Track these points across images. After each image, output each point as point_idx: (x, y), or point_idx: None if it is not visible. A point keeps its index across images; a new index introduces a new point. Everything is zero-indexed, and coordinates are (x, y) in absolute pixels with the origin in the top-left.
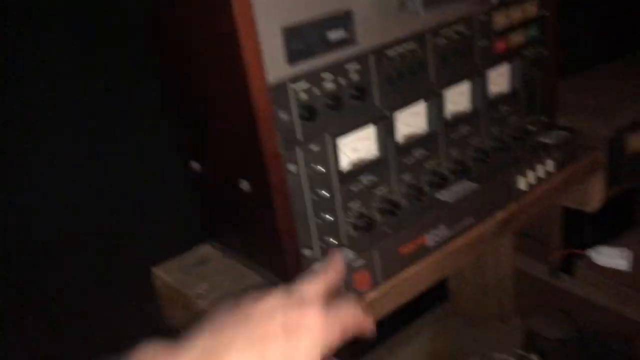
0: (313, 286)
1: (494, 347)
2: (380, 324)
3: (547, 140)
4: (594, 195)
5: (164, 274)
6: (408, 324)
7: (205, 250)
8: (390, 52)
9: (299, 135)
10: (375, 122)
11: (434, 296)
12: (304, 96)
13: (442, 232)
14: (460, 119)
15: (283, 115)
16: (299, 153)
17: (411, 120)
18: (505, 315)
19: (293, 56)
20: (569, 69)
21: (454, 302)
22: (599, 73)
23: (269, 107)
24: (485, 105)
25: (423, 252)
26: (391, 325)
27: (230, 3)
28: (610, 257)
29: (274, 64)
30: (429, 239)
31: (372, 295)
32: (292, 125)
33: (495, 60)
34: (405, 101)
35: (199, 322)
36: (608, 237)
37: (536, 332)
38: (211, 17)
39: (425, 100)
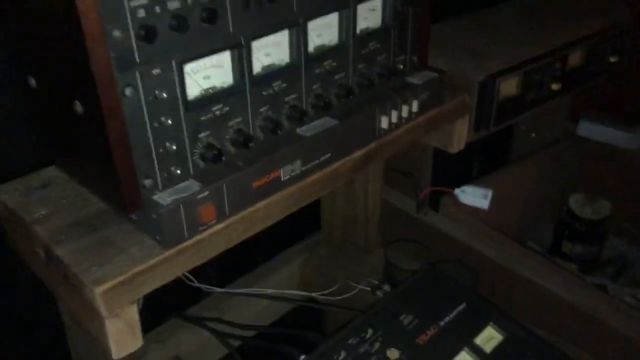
0: None
1: (359, 276)
2: (255, 250)
3: (414, 80)
4: (457, 137)
5: (4, 196)
6: (281, 251)
7: (51, 172)
8: None
9: (138, 57)
10: (229, 49)
11: (307, 225)
12: (142, 14)
13: (297, 166)
14: (325, 53)
15: (117, 34)
16: (138, 77)
17: (271, 50)
18: (371, 246)
19: None
20: (452, 12)
21: (326, 231)
22: (481, 17)
23: (98, 24)
24: (353, 40)
25: (276, 186)
26: (264, 252)
27: None
28: (473, 196)
29: None
30: (284, 173)
31: (217, 227)
32: (129, 46)
33: None
34: (264, 30)
35: None
36: (479, 177)
37: (392, 263)
38: None
39: (288, 31)
